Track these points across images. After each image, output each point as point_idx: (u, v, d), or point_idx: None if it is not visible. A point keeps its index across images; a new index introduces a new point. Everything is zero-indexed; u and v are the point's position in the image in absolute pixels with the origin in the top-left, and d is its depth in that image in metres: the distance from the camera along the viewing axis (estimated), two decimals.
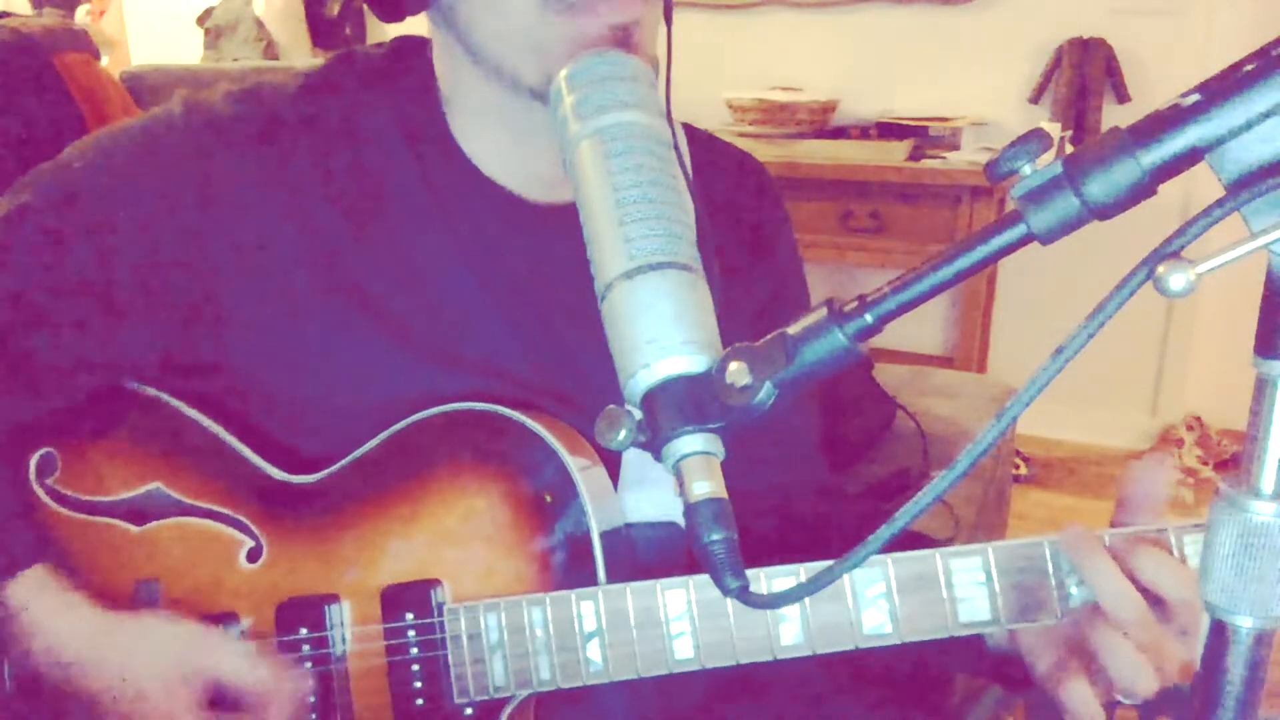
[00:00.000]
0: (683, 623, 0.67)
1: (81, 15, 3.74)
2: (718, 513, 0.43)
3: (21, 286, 0.73)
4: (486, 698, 0.71)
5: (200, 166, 0.73)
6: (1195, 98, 0.38)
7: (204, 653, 0.71)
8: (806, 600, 0.65)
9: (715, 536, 0.43)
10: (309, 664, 0.74)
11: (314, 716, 0.74)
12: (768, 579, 0.65)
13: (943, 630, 0.64)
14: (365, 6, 0.74)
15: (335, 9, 3.65)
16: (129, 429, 0.78)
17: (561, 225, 0.76)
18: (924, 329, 3.11)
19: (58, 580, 0.72)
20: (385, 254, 0.75)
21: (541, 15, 0.65)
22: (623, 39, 0.65)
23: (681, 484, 0.44)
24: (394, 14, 0.71)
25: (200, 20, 3.72)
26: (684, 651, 0.67)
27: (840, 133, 2.86)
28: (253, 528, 0.76)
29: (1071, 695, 0.62)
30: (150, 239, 0.73)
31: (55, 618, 0.70)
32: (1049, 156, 0.39)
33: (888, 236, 2.66)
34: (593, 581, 0.70)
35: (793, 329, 0.44)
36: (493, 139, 0.77)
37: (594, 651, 0.68)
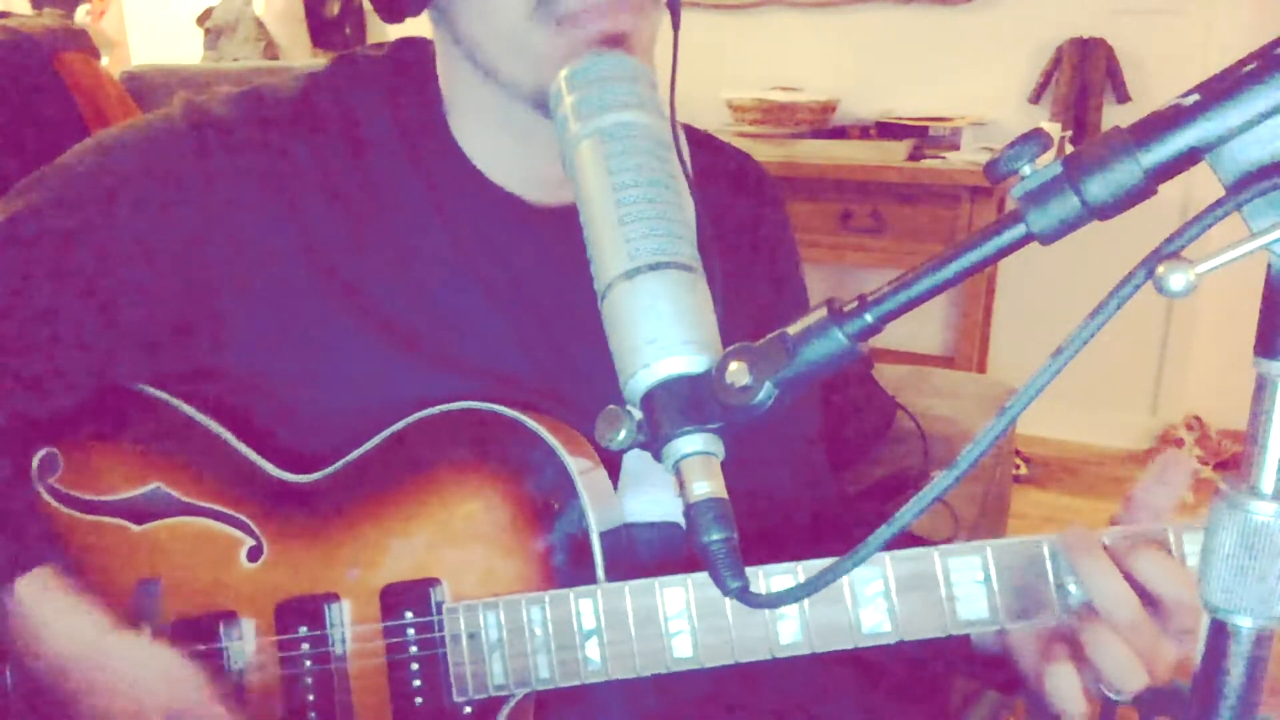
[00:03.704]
0: (681, 621, 0.67)
1: (81, 15, 3.74)
2: (718, 513, 0.43)
3: (22, 288, 0.73)
4: (486, 696, 0.71)
5: (200, 169, 0.73)
6: (1195, 98, 0.38)
7: (178, 693, 0.71)
8: (805, 599, 0.65)
9: (715, 536, 0.43)
10: (309, 662, 0.74)
11: (314, 715, 0.74)
12: (766, 577, 0.65)
13: (941, 629, 0.64)
14: (365, 6, 0.74)
15: (335, 9, 3.65)
16: (130, 429, 0.78)
17: (561, 227, 0.76)
18: (924, 329, 3.11)
19: (63, 581, 0.72)
20: (385, 255, 0.75)
21: (530, 25, 0.65)
22: (615, 49, 0.65)
23: (681, 484, 0.44)
24: (394, 15, 0.71)
25: (200, 20, 3.72)
26: (682, 650, 0.67)
27: (840, 133, 2.86)
28: (253, 527, 0.76)
29: (1055, 680, 0.62)
30: (151, 241, 0.73)
31: (59, 619, 0.70)
32: (1049, 156, 0.39)
33: (888, 236, 2.65)
34: (592, 582, 0.70)
35: (793, 329, 0.44)
36: (493, 140, 0.77)
37: (593, 650, 0.68)
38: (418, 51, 0.80)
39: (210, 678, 0.72)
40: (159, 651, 0.72)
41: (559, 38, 0.65)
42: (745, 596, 0.43)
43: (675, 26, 0.69)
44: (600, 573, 0.70)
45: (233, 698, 0.73)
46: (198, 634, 0.75)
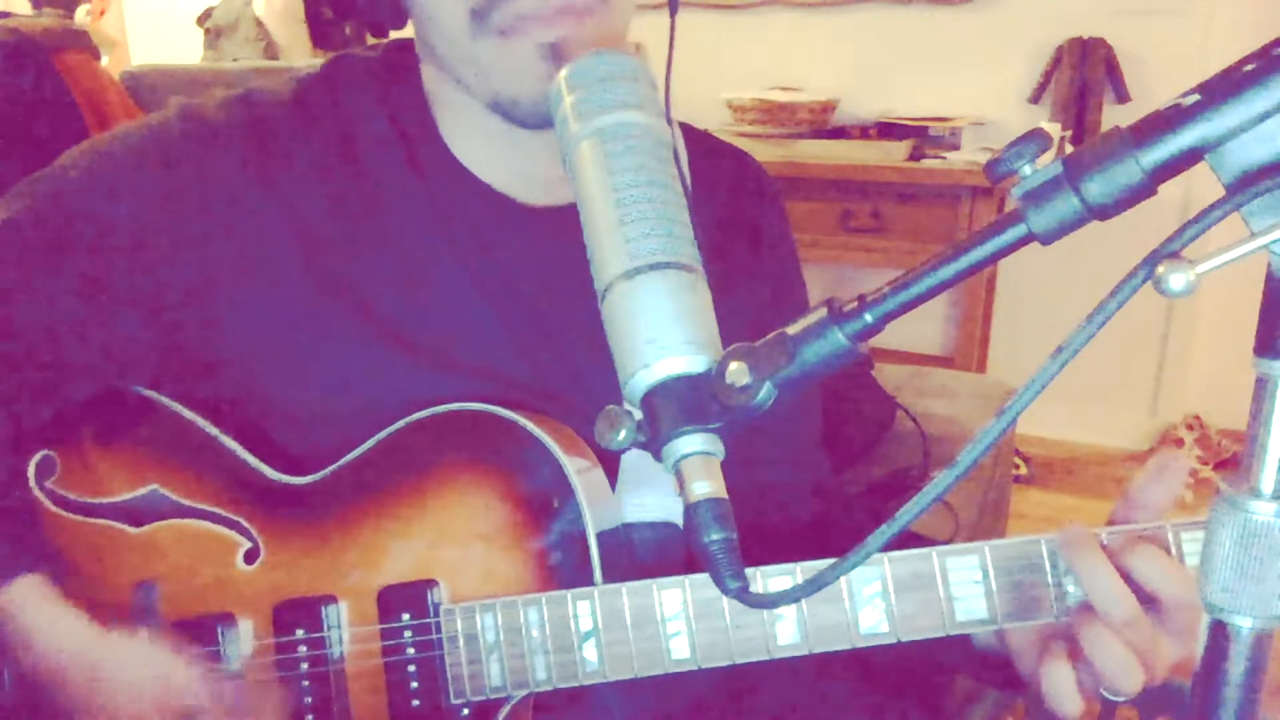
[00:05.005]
0: (679, 622, 0.67)
1: (81, 15, 3.74)
2: (717, 513, 0.43)
3: (19, 291, 0.73)
4: (483, 698, 0.71)
5: (196, 172, 0.73)
6: (1195, 98, 0.38)
7: (177, 685, 0.70)
8: (803, 600, 0.65)
9: (715, 537, 0.43)
10: (306, 664, 0.74)
11: (311, 718, 0.74)
12: (764, 578, 0.65)
13: (940, 629, 0.64)
14: None
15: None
16: (127, 431, 0.78)
17: (557, 227, 0.76)
18: (924, 329, 3.11)
19: (49, 589, 0.71)
20: (381, 257, 0.75)
21: (474, 37, 0.67)
22: (557, 57, 0.65)
23: (681, 484, 0.44)
24: (377, 30, 0.74)
25: (200, 20, 3.72)
26: (680, 651, 0.67)
27: (840, 133, 2.86)
28: (250, 529, 0.76)
29: (1050, 679, 0.62)
30: (147, 244, 0.73)
31: (45, 627, 0.70)
32: (1049, 156, 0.39)
33: (888, 236, 2.65)
34: (590, 582, 0.70)
35: (793, 329, 0.44)
36: (481, 142, 0.77)
37: (590, 652, 0.68)
38: (410, 53, 0.80)
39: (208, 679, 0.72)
40: (155, 654, 0.72)
41: (501, 49, 0.66)
42: (745, 596, 0.43)
43: (672, 22, 0.69)
44: (597, 573, 0.70)
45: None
46: (195, 636, 0.74)
